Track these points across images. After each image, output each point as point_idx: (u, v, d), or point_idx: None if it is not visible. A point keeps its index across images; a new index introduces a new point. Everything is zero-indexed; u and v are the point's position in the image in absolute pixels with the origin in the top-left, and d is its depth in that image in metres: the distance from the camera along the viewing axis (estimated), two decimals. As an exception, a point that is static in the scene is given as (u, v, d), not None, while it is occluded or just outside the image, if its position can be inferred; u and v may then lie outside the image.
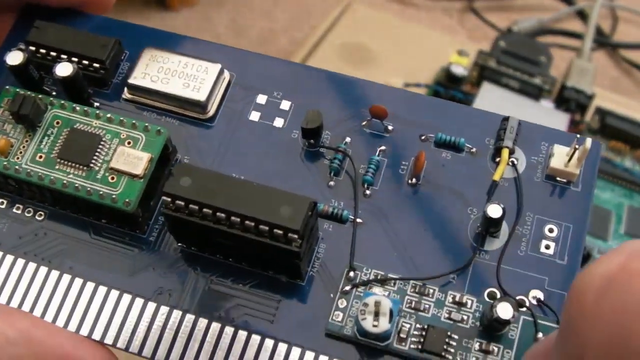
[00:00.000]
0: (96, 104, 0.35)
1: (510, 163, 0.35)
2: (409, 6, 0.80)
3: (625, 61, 0.72)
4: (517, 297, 0.32)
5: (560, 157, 0.34)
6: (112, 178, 0.32)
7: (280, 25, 0.81)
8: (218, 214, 0.30)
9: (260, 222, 0.30)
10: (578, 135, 0.34)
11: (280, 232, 0.30)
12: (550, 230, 0.34)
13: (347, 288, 0.32)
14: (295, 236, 0.30)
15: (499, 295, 0.33)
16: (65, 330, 0.32)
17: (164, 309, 0.32)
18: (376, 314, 0.31)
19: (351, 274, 0.33)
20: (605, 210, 0.58)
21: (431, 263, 0.33)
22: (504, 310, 0.31)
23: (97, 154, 0.32)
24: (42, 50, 0.35)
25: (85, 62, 0.35)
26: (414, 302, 0.32)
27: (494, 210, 0.32)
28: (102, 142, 0.32)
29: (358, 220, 0.34)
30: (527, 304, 0.32)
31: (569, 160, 0.34)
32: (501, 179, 0.34)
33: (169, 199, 0.30)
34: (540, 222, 0.34)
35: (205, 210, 0.30)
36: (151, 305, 0.32)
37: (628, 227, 0.57)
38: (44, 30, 0.35)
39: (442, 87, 0.70)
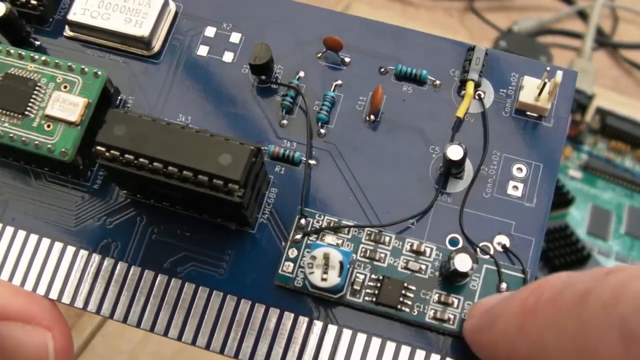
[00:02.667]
0: (37, 42, 0.33)
1: (476, 97, 0.32)
2: (409, 6, 0.77)
3: (625, 61, 0.70)
4: (481, 244, 0.31)
5: (530, 90, 0.32)
6: (49, 126, 0.30)
7: None
8: (154, 163, 0.28)
9: (199, 172, 0.28)
10: (548, 68, 0.31)
11: (220, 182, 0.28)
12: (519, 170, 0.31)
13: (298, 237, 0.31)
14: (236, 186, 0.28)
15: (461, 242, 0.31)
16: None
17: (109, 262, 0.31)
18: (325, 267, 0.29)
19: (302, 221, 0.31)
20: (605, 211, 0.58)
21: (390, 207, 0.31)
22: (462, 263, 0.29)
23: (32, 100, 0.30)
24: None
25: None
26: (368, 251, 0.30)
27: (454, 152, 0.30)
28: (37, 87, 0.31)
29: (312, 162, 0.32)
30: (492, 251, 0.31)
31: (540, 93, 0.32)
32: (466, 114, 0.32)
33: (103, 149, 0.29)
34: (508, 161, 0.31)
35: (141, 160, 0.28)
36: (95, 258, 0.31)
37: (628, 227, 0.57)
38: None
39: None
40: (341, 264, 0.29)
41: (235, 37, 0.33)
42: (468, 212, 0.31)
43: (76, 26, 0.33)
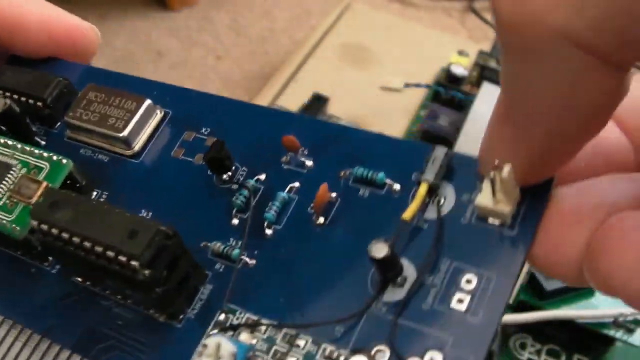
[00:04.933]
0: (42, 142, 0.36)
1: (434, 202, 0.29)
2: (409, 6, 0.76)
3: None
4: (409, 359, 0.27)
5: (488, 190, 0.28)
6: (11, 204, 0.32)
7: (280, 25, 0.78)
8: (73, 238, 0.29)
9: (107, 247, 0.28)
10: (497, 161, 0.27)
11: (123, 258, 0.28)
12: (468, 282, 0.27)
13: (215, 332, 0.29)
14: (135, 263, 0.27)
15: (388, 355, 0.27)
16: None
17: (45, 343, 0.31)
18: (217, 358, 0.27)
19: (222, 316, 0.29)
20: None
21: (322, 312, 0.28)
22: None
23: (4, 182, 0.33)
24: (-2, 91, 0.37)
25: (31, 100, 0.36)
26: (279, 354, 0.28)
27: (378, 249, 0.27)
28: (11, 171, 0.33)
29: (251, 261, 0.30)
30: (421, 367, 0.26)
31: (494, 194, 0.28)
32: (420, 219, 0.29)
33: (36, 223, 0.30)
34: (457, 270, 0.28)
35: (63, 234, 0.29)
36: (34, 339, 0.31)
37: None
38: (4, 73, 0.37)
39: (442, 88, 0.66)
40: (234, 356, 0.27)
41: (210, 141, 0.34)
42: (403, 323, 0.27)
43: (72, 127, 0.35)
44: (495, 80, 0.66)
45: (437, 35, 0.76)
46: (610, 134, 0.29)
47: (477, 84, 0.67)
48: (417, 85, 0.68)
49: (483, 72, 0.67)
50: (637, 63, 0.22)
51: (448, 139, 0.62)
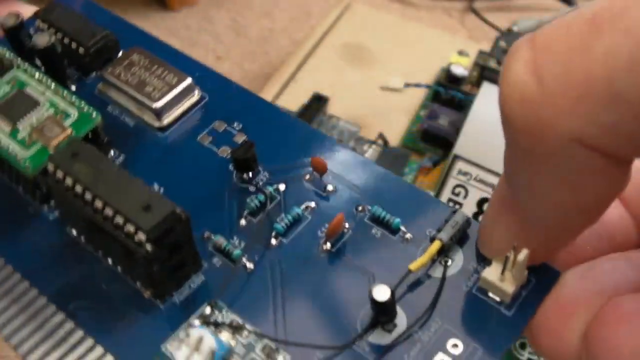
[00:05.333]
0: (72, 87, 0.36)
1: (442, 262, 0.30)
2: (409, 6, 0.77)
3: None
4: (379, 405, 0.27)
5: (497, 268, 0.29)
6: (29, 142, 0.32)
7: (280, 25, 0.79)
8: (86, 193, 0.29)
9: (118, 212, 0.28)
10: (515, 244, 0.28)
11: (131, 228, 0.28)
12: (455, 346, 0.28)
13: (197, 322, 0.29)
14: (142, 237, 0.27)
15: (358, 394, 0.27)
16: None
17: (24, 285, 0.31)
18: (195, 349, 0.27)
19: (208, 310, 0.29)
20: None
21: (306, 335, 0.28)
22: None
23: (27, 115, 0.32)
24: (45, 25, 0.36)
25: (73, 44, 0.36)
26: (254, 363, 0.28)
27: (380, 292, 0.27)
28: (38, 108, 0.33)
29: (249, 265, 0.30)
30: (388, 417, 0.27)
31: (503, 272, 0.28)
32: (425, 275, 0.29)
33: (53, 168, 0.29)
34: (447, 332, 0.28)
35: (77, 187, 0.29)
36: (15, 277, 0.31)
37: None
38: (54, 10, 0.37)
39: (442, 88, 0.66)
40: (212, 353, 0.27)
41: (239, 138, 0.34)
42: (382, 368, 0.27)
43: (107, 83, 0.35)
44: (495, 81, 0.65)
45: (437, 35, 0.75)
46: (614, 212, 0.29)
47: (477, 84, 0.67)
48: (417, 85, 0.68)
49: (483, 72, 0.67)
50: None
51: (448, 139, 0.62)
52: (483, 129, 0.59)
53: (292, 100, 0.67)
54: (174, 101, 0.34)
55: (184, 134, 0.34)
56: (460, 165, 0.58)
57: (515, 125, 0.22)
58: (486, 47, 0.71)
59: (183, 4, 0.90)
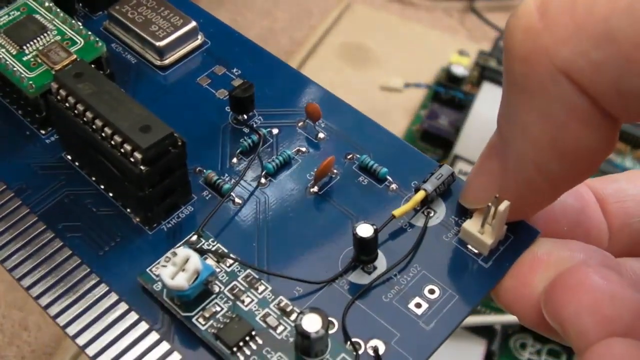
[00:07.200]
0: (79, 23, 0.37)
1: (424, 213, 0.31)
2: (409, 6, 0.77)
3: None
4: (354, 339, 0.28)
5: (478, 220, 0.30)
6: (34, 64, 0.32)
7: (280, 25, 0.79)
8: (87, 112, 0.29)
9: (117, 131, 0.29)
10: (497, 195, 0.29)
11: (128, 147, 0.28)
12: (431, 292, 0.29)
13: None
14: (138, 156, 0.28)
15: (336, 326, 0.28)
16: None
17: (15, 201, 0.31)
18: (181, 269, 0.27)
19: (194, 237, 0.30)
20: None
21: (288, 269, 0.29)
22: (309, 322, 0.26)
23: (35, 40, 0.33)
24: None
25: (84, -22, 0.36)
26: (237, 290, 0.28)
27: (364, 230, 0.28)
28: (45, 33, 0.33)
29: (237, 200, 0.31)
30: (361, 350, 0.27)
31: (483, 225, 0.29)
32: (406, 222, 0.30)
33: (57, 86, 0.30)
34: (424, 278, 0.29)
35: (78, 105, 0.29)
36: (5, 195, 0.32)
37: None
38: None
39: (442, 88, 0.67)
40: (197, 273, 0.27)
41: (236, 82, 0.35)
42: (359, 305, 0.28)
43: (113, 20, 0.36)
44: (495, 80, 0.66)
45: (437, 35, 0.76)
46: (595, 212, 0.30)
47: (477, 84, 0.67)
48: (417, 85, 0.69)
49: (483, 72, 0.68)
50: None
51: (448, 139, 0.63)
52: (483, 128, 0.60)
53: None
54: (177, 42, 0.35)
55: (184, 74, 0.35)
56: (460, 165, 0.59)
57: (514, 53, 0.23)
58: (486, 47, 0.72)
59: (183, 4, 0.90)
